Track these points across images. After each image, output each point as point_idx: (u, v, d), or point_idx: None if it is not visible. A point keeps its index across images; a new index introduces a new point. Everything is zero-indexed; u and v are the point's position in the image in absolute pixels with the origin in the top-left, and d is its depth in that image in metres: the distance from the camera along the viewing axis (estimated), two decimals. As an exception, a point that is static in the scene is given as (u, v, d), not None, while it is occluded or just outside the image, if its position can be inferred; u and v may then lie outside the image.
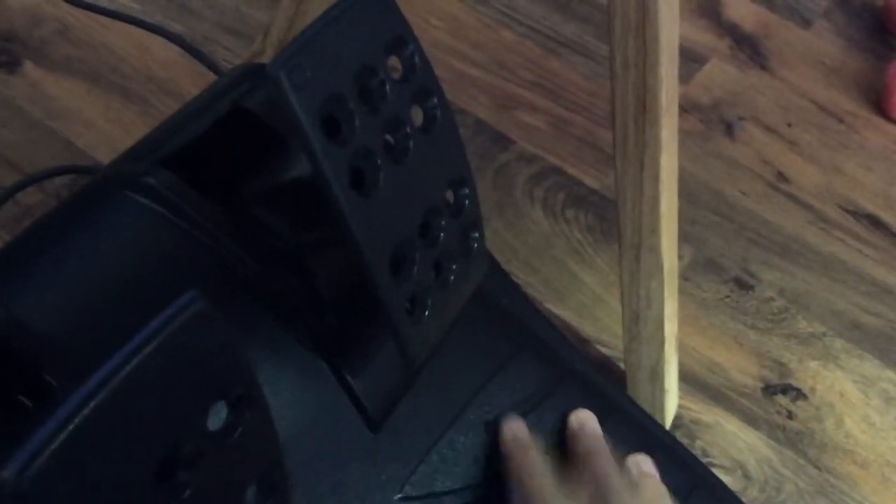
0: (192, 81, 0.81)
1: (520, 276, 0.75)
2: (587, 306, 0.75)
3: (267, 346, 0.40)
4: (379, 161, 0.36)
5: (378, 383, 0.44)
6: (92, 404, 0.25)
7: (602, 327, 0.73)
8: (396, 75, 0.39)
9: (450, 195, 0.41)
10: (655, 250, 0.56)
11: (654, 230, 0.55)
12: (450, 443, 0.46)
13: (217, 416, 0.30)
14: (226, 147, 0.45)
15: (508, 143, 0.84)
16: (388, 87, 0.37)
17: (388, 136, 0.38)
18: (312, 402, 0.42)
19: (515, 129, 0.86)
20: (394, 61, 0.38)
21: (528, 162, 0.84)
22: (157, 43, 0.83)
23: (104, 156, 0.76)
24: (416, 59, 0.38)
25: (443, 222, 0.40)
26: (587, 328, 0.73)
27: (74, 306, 0.39)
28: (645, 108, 0.48)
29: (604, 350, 0.72)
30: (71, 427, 0.25)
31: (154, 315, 0.30)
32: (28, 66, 0.81)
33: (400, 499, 0.43)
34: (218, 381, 0.29)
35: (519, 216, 0.80)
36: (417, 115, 0.40)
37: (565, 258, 0.78)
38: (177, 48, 0.83)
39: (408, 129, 0.38)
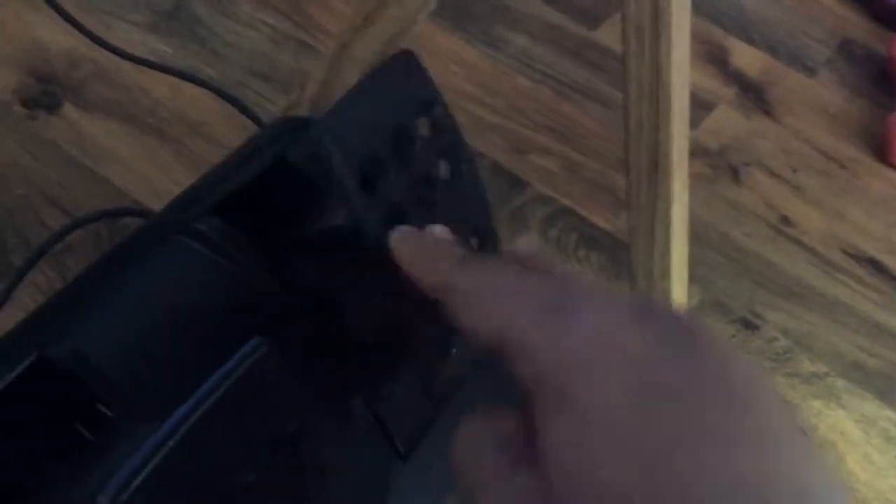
0: (223, 123, 0.85)
1: (534, 314, 0.79)
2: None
3: (306, 380, 0.43)
4: (409, 212, 0.40)
5: (406, 416, 0.47)
6: (173, 440, 0.29)
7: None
8: (426, 133, 0.43)
9: (475, 242, 0.44)
10: (666, 295, 0.59)
11: (665, 276, 0.58)
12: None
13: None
14: (268, 195, 0.48)
15: (524, 185, 0.88)
16: (417, 145, 0.41)
17: (418, 189, 0.41)
18: (347, 432, 0.45)
19: (530, 172, 0.89)
20: (424, 121, 0.42)
21: (543, 204, 0.87)
22: (189, 86, 0.87)
23: (139, 194, 0.79)
24: (444, 119, 0.42)
25: None
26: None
27: (132, 343, 0.43)
28: (657, 165, 0.52)
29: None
30: (156, 459, 0.28)
31: (212, 353, 0.34)
32: (67, 108, 0.85)
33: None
34: (277, 418, 0.32)
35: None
36: (445, 169, 0.44)
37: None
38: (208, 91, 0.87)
39: (435, 183, 0.42)
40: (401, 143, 0.41)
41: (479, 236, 0.46)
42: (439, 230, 0.38)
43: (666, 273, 0.58)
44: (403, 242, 0.37)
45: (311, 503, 0.36)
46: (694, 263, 0.84)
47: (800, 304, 0.83)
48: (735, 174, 0.92)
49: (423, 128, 0.42)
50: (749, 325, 0.81)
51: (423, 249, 0.35)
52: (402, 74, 0.42)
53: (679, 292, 0.60)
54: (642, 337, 0.26)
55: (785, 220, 0.89)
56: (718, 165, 0.93)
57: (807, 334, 0.81)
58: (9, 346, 0.37)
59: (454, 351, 0.44)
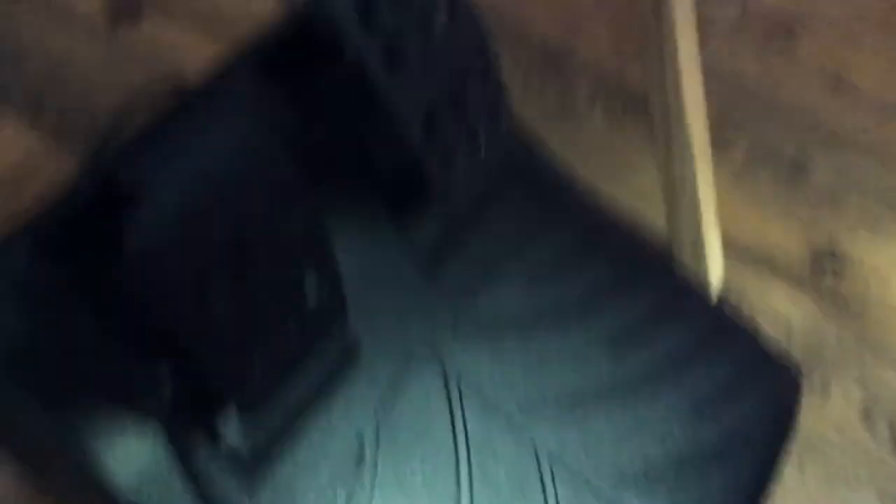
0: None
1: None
2: (644, 191, 0.80)
3: (340, 199, 0.49)
4: (406, 41, 0.45)
5: (431, 236, 0.53)
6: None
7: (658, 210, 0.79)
8: None
9: (477, 63, 0.49)
10: (684, 130, 0.63)
11: (680, 113, 0.62)
12: (492, 291, 0.54)
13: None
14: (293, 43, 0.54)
15: (572, 53, 0.90)
16: None
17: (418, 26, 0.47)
18: (377, 249, 0.51)
19: (580, 39, 0.91)
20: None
21: (591, 67, 0.90)
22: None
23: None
24: None
25: (469, 88, 0.48)
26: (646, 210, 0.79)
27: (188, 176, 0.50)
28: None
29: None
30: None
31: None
32: (151, 19, 0.92)
33: (451, 331, 0.52)
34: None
35: (577, 120, 0.86)
36: (444, 13, 0.49)
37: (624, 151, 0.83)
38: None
39: (435, 19, 0.47)
40: None
41: (482, 84, 0.50)
42: None
43: (680, 111, 0.61)
44: None
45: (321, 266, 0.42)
46: (744, 118, 0.86)
47: (850, 149, 0.84)
48: (790, 31, 0.93)
49: None
50: (798, 167, 0.82)
51: None
52: None
53: (697, 128, 0.63)
54: None
55: (840, 75, 0.89)
56: (776, 22, 0.93)
57: (856, 176, 0.82)
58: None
59: (460, 167, 0.48)
